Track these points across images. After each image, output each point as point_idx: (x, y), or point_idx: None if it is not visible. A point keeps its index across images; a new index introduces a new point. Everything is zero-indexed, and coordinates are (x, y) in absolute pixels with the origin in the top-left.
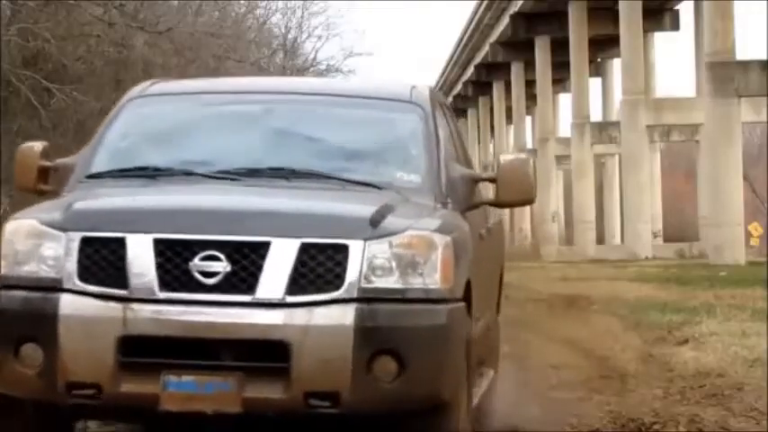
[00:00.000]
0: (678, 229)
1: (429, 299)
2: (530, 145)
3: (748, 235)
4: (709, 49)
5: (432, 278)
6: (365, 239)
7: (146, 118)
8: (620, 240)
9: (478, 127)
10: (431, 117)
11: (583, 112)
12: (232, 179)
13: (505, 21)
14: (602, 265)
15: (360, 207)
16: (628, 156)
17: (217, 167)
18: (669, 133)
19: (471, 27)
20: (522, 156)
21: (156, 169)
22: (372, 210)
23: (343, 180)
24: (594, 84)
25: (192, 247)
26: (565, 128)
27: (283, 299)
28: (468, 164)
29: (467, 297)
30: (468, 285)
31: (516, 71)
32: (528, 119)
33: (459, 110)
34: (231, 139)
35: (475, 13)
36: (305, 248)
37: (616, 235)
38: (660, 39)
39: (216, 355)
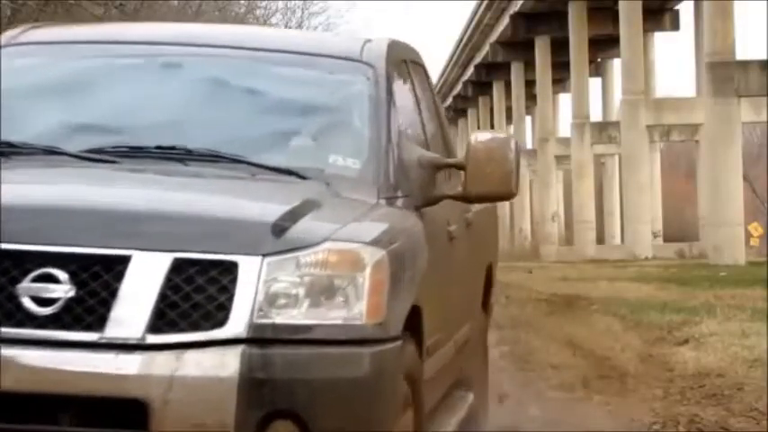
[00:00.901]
0: (678, 229)
1: (349, 340)
2: (530, 145)
3: (748, 235)
4: (709, 49)
5: (355, 310)
6: (263, 255)
7: (10, 74)
8: (620, 240)
9: (478, 127)
10: (385, 80)
11: (583, 112)
12: (107, 161)
13: (505, 21)
14: (602, 265)
15: (263, 207)
16: (628, 156)
17: (89, 144)
18: (669, 133)
19: (471, 27)
20: (501, 135)
21: (10, 145)
22: (281, 211)
23: (255, 165)
24: (594, 84)
25: (23, 263)
26: (565, 128)
27: (143, 338)
28: (447, 146)
29: (414, 325)
30: (415, 311)
31: (516, 71)
32: (528, 119)
33: (459, 110)
34: (115, 106)
35: (475, 13)
36: (178, 266)
37: (616, 235)
38: (660, 39)
39: (50, 417)
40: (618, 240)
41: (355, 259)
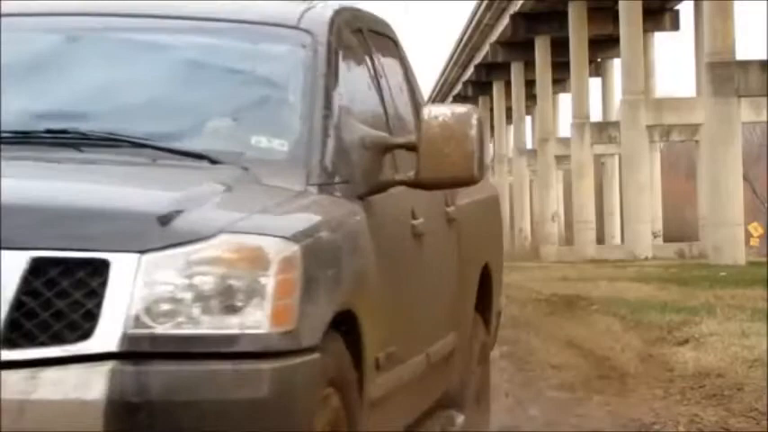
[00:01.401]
0: (678, 229)
1: (247, 353)
2: (530, 145)
3: (748, 235)
4: (709, 49)
5: (256, 316)
6: (141, 252)
7: None
8: (620, 240)
9: None
10: (326, 50)
11: (583, 112)
12: None
13: (505, 21)
14: (602, 265)
15: (151, 196)
16: (628, 156)
17: None
18: (669, 133)
19: (471, 27)
20: (460, 109)
21: None
22: (171, 200)
23: (160, 149)
24: (594, 84)
25: None
26: (565, 128)
27: None
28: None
29: (352, 332)
30: (350, 315)
31: (516, 71)
32: (528, 119)
33: None
34: (8, 85)
35: (475, 13)
36: (36, 267)
37: (616, 235)
38: (660, 39)
39: None
40: (618, 240)
41: (257, 255)
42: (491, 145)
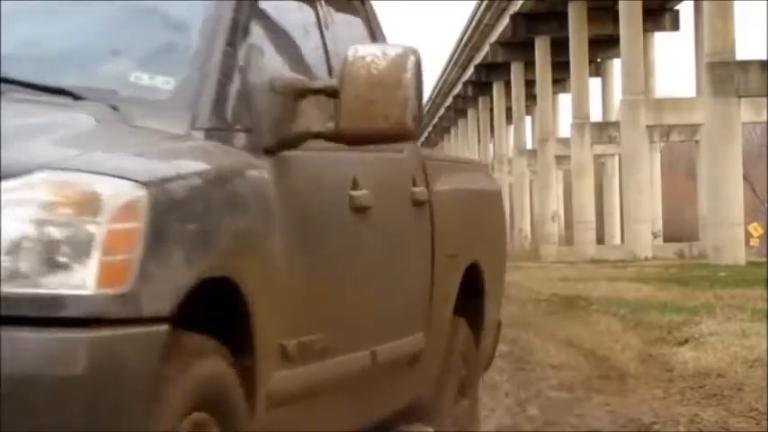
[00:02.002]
0: (678, 229)
1: (65, 319)
2: (530, 145)
3: (748, 235)
4: (710, 49)
5: (79, 273)
6: None
7: None
8: (620, 241)
9: (478, 127)
10: None
11: (583, 112)
12: None
13: (505, 21)
14: (602, 265)
15: None
16: (628, 156)
17: None
18: (669, 133)
19: (471, 27)
20: (394, 49)
21: None
22: None
23: (8, 82)
24: (594, 84)
25: None
26: (565, 128)
27: None
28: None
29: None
30: (232, 286)
31: (516, 71)
32: (528, 119)
33: (459, 110)
34: None
35: (475, 13)
36: None
37: (616, 235)
38: (660, 39)
39: None
40: (618, 240)
41: (85, 198)
42: (491, 145)
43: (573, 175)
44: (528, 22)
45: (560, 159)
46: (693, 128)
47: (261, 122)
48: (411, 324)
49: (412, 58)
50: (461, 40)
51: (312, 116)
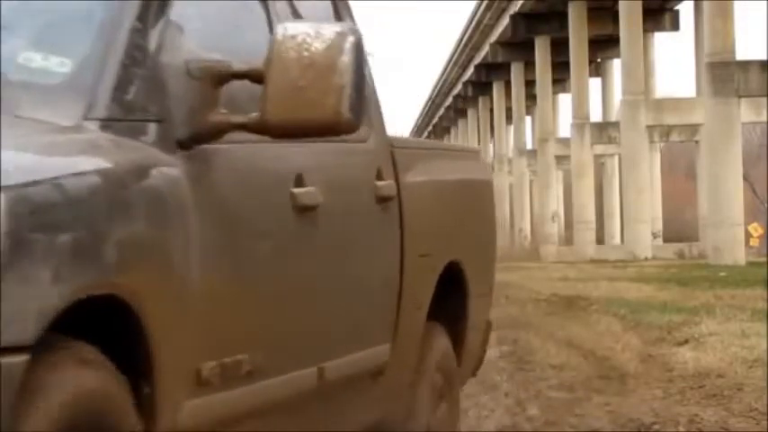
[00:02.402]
0: (678, 229)
1: None
2: (530, 145)
3: (748, 235)
4: (710, 49)
5: None
6: None
7: None
8: (620, 241)
9: (478, 127)
10: None
11: (583, 112)
12: None
13: (505, 21)
14: (602, 265)
15: None
16: (628, 156)
17: None
18: (669, 133)
19: (471, 27)
20: (330, 28)
21: None
22: None
23: None
24: (594, 84)
25: None
26: (565, 128)
27: None
28: None
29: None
30: (116, 305)
31: (516, 71)
32: (528, 119)
33: (459, 110)
34: None
35: (475, 13)
36: None
37: (616, 235)
38: (660, 39)
39: None
40: (618, 240)
41: None
42: (491, 145)
43: (573, 175)
44: (528, 22)
45: (560, 159)
46: (693, 128)
47: (173, 111)
48: (373, 335)
49: (350, 39)
50: (461, 40)
51: (237, 105)
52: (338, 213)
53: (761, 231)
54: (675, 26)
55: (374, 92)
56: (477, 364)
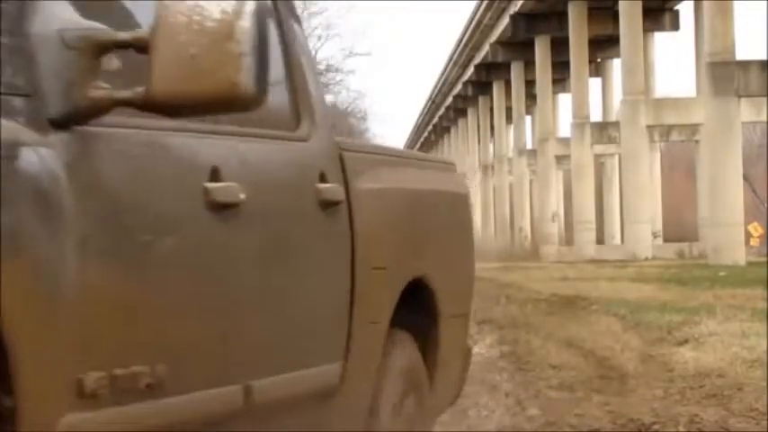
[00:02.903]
0: (678, 229)
1: None
2: (530, 145)
3: (748, 235)
4: (710, 49)
5: None
6: None
7: None
8: (620, 241)
9: (478, 127)
10: None
11: (583, 112)
12: None
13: (505, 21)
14: (602, 265)
15: None
16: (627, 156)
17: None
18: (669, 133)
19: (471, 27)
20: None
21: None
22: None
23: None
24: (594, 84)
25: None
26: (565, 128)
27: None
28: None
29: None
30: None
31: (516, 71)
32: (528, 119)
33: (459, 110)
34: None
35: (475, 13)
36: None
37: (616, 235)
38: (660, 39)
39: None
40: (618, 240)
41: None
42: (491, 145)
43: (573, 175)
44: (528, 22)
45: (560, 159)
46: (693, 128)
47: (44, 85)
48: (318, 352)
49: (249, 3)
50: (461, 39)
51: (125, 79)
52: (266, 215)
53: (761, 231)
54: (675, 26)
55: (320, 91)
56: (455, 392)
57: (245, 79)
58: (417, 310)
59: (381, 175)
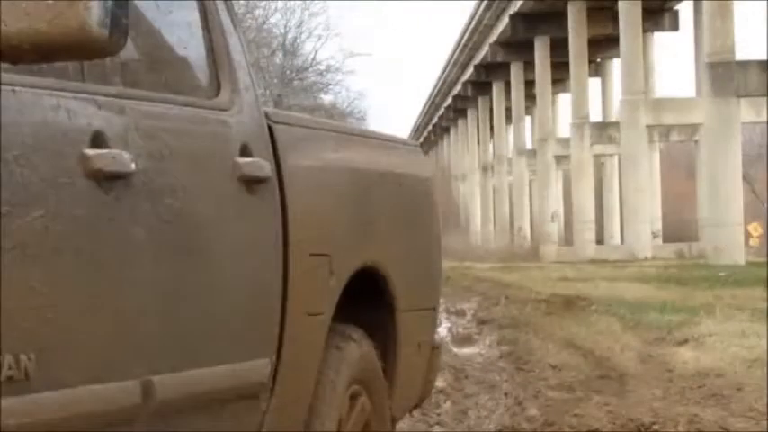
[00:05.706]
0: (678, 229)
1: None
2: (529, 145)
3: (748, 235)
4: (710, 49)
5: None
6: None
7: None
8: (620, 241)
9: (478, 127)
10: None
11: (582, 112)
12: None
13: (505, 21)
14: (602, 265)
15: None
16: (627, 156)
17: None
18: (669, 133)
19: (471, 27)
20: None
21: None
22: None
23: None
24: (594, 84)
25: None
26: (564, 128)
27: None
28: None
29: None
30: None
31: (516, 71)
32: (528, 119)
33: (459, 110)
34: None
35: (475, 13)
36: None
37: (615, 235)
38: (660, 39)
39: None
40: (617, 240)
41: None
42: (491, 145)
43: (572, 175)
44: (528, 23)
45: (560, 159)
46: (693, 128)
47: None
48: (242, 346)
49: None
50: (461, 40)
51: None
52: (166, 189)
53: (761, 231)
54: (675, 26)
55: (245, 57)
56: (420, 393)
57: (94, 21)
58: (375, 304)
59: (323, 152)
